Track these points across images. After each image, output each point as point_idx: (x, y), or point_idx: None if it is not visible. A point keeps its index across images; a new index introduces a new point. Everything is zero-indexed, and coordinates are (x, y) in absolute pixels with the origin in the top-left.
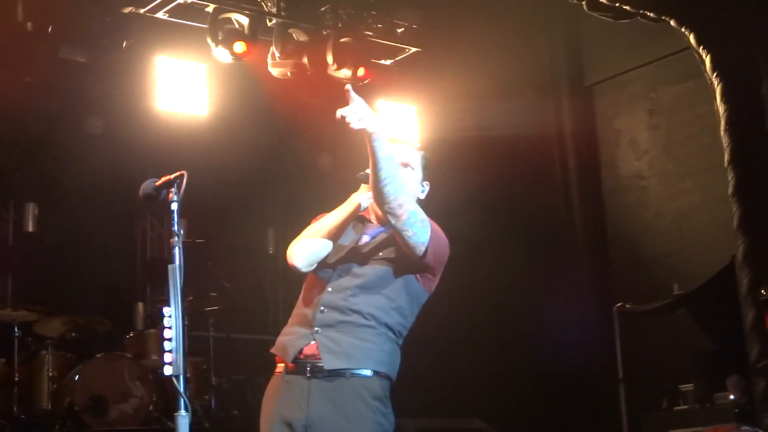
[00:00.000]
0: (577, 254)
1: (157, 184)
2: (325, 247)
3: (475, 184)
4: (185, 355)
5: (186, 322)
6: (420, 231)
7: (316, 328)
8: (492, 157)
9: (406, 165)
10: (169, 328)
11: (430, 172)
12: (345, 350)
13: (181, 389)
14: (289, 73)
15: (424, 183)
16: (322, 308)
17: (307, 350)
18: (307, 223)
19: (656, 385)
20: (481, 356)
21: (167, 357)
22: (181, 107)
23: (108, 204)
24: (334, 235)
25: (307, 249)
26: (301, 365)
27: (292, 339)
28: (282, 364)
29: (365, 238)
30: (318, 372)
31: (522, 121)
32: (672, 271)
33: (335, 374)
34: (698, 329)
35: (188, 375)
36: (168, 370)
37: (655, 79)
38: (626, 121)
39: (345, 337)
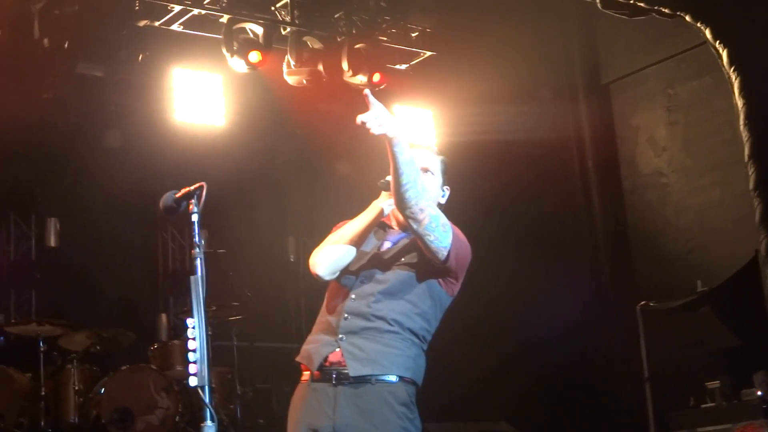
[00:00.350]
0: (599, 254)
1: (177, 196)
2: (348, 255)
3: (493, 188)
4: (210, 365)
5: (210, 332)
6: (442, 235)
7: (340, 336)
8: (509, 159)
9: (426, 170)
10: (193, 338)
11: (449, 176)
12: (370, 356)
13: (207, 399)
14: (304, 81)
15: (445, 188)
16: (345, 315)
17: (332, 357)
18: (327, 231)
19: (682, 383)
20: (505, 358)
21: (192, 368)
22: (198, 118)
23: (128, 216)
24: (356, 243)
25: (329, 257)
26: (326, 373)
27: (316, 347)
28: (308, 372)
29: (387, 244)
30: (344, 379)
31: (539, 122)
32: (695, 268)
33: (361, 381)
34: (723, 326)
35: (213, 385)
36: (193, 381)
37: (673, 76)
38: (644, 119)
39: (369, 344)
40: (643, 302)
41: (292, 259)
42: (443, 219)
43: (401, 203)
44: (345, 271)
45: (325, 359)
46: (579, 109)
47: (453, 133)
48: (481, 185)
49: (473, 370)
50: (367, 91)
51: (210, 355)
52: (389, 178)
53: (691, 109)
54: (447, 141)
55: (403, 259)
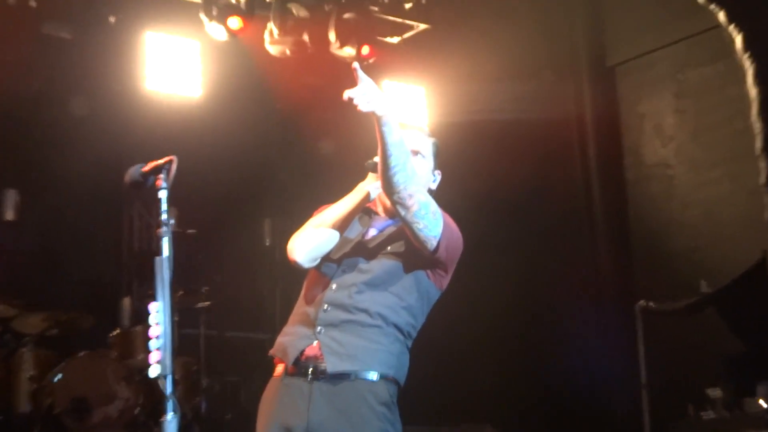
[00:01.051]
0: (597, 249)
1: (144, 169)
2: (329, 241)
3: (486, 173)
4: (174, 354)
5: (175, 319)
6: (432, 223)
7: (318, 328)
8: (505, 143)
9: (416, 153)
10: (157, 324)
11: (441, 160)
12: (349, 352)
13: (169, 391)
14: (288, 52)
15: (436, 172)
16: (325, 306)
17: (308, 351)
18: (308, 214)
19: (681, 390)
20: (492, 359)
21: (154, 356)
22: (172, 87)
23: (93, 191)
24: (339, 228)
25: (309, 242)
26: (302, 367)
27: (292, 339)
28: (281, 366)
29: (372, 232)
30: (320, 374)
31: (538, 105)
32: (699, 267)
33: (339, 377)
34: (727, 330)
35: (177, 376)
36: (155, 371)
37: (683, 60)
38: (651, 105)
39: (350, 338)
40: (642, 302)
41: (267, 243)
42: (434, 206)
43: (389, 187)
44: (326, 259)
45: (302, 353)
46: (582, 93)
47: (446, 113)
48: (473, 170)
49: (458, 370)
50: (355, 65)
51: (175, 343)
52: (377, 158)
53: (702, 96)
54: (439, 121)
55: (389, 248)
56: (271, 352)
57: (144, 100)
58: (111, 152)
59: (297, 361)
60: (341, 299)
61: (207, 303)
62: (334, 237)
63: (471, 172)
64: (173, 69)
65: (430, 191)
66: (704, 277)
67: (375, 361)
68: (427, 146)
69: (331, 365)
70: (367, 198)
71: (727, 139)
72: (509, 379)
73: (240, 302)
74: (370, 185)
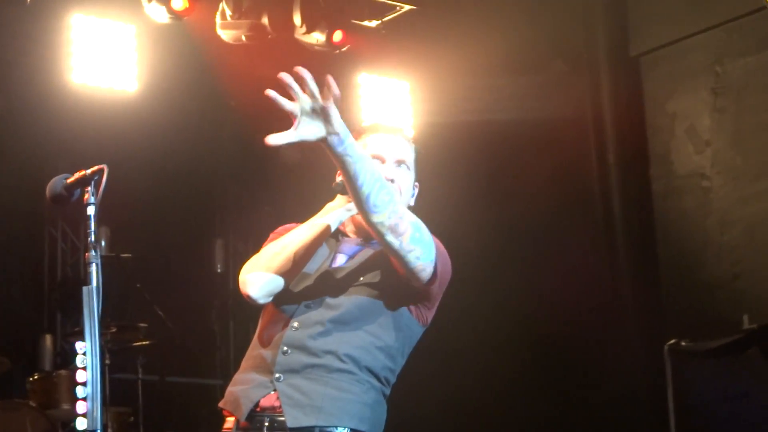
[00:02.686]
0: (619, 278)
1: (68, 181)
2: (290, 273)
3: (484, 185)
4: (105, 403)
5: (107, 362)
6: (426, 247)
7: (276, 375)
8: (508, 149)
9: (401, 162)
10: (84, 368)
11: (421, 168)
12: (314, 402)
13: None
14: (244, 38)
15: (415, 184)
16: (285, 349)
17: (264, 402)
18: (266, 234)
19: None
20: (498, 406)
21: (81, 406)
22: (103, 81)
23: (7, 207)
24: (302, 257)
25: (264, 274)
26: (256, 421)
27: (245, 389)
28: (232, 419)
29: (341, 258)
30: (278, 429)
31: (547, 103)
32: (741, 299)
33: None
34: None
35: (110, 430)
36: (82, 424)
37: (722, 49)
38: (683, 103)
39: (314, 386)
40: (672, 341)
41: (219, 270)
42: (422, 224)
43: (371, 217)
44: (285, 293)
45: (256, 405)
46: (600, 88)
47: (435, 112)
48: (469, 182)
49: (458, 412)
50: (283, 76)
51: (106, 391)
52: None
53: (745, 92)
54: (427, 121)
55: (362, 279)
56: (221, 404)
57: (69, 96)
58: (29, 159)
59: (251, 415)
60: (303, 340)
61: (145, 342)
62: (295, 267)
63: (467, 183)
64: (104, 59)
65: (409, 207)
66: (747, 310)
67: (344, 414)
68: (410, 155)
69: (292, 419)
70: (337, 222)
71: None
72: (519, 416)
73: (186, 341)
74: (340, 209)
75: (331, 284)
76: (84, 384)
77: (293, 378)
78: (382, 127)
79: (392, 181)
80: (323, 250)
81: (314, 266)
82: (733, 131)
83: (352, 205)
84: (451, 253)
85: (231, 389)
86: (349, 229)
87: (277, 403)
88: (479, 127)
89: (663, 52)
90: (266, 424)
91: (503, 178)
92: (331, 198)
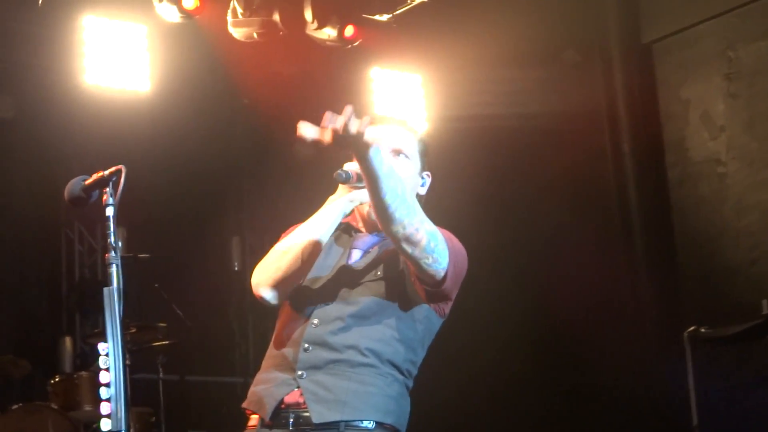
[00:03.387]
0: (636, 264)
1: (87, 183)
2: (301, 270)
3: (499, 175)
4: (128, 404)
5: (128, 362)
6: (441, 254)
7: (299, 372)
8: (521, 140)
9: (398, 152)
10: (107, 369)
11: (431, 160)
12: (338, 397)
13: None
14: (255, 35)
15: (425, 174)
16: (306, 346)
17: (288, 399)
18: (281, 233)
19: None
20: (516, 400)
21: (105, 407)
22: (115, 81)
23: (23, 210)
24: (312, 253)
25: (275, 273)
26: (281, 417)
27: (268, 388)
28: (256, 417)
29: (356, 254)
30: (304, 425)
31: (560, 93)
32: (760, 284)
33: (326, 428)
34: None
35: (132, 430)
36: (106, 425)
37: (734, 34)
38: (697, 90)
39: (338, 381)
40: (692, 328)
41: (236, 267)
42: (439, 233)
43: (389, 226)
44: (302, 291)
45: (281, 402)
46: (612, 77)
47: (449, 105)
48: (483, 173)
49: (474, 408)
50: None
51: (128, 391)
52: (349, 166)
53: (758, 77)
54: (441, 114)
55: (378, 273)
56: (244, 404)
57: (83, 98)
58: (45, 161)
59: (276, 412)
60: (324, 336)
61: (165, 342)
62: (307, 264)
63: (480, 175)
64: (117, 59)
65: (419, 197)
66: (766, 295)
67: (369, 407)
68: (411, 144)
69: (317, 415)
70: (340, 214)
71: None
72: (538, 420)
73: (205, 340)
74: (343, 198)
75: (348, 280)
76: (107, 385)
77: (316, 374)
78: (378, 118)
79: None
80: (336, 247)
81: (330, 263)
82: (747, 116)
83: (355, 195)
84: (467, 243)
85: (254, 389)
86: (360, 224)
87: (301, 400)
88: (492, 119)
89: (675, 38)
90: (291, 420)
91: (518, 169)
92: (333, 190)
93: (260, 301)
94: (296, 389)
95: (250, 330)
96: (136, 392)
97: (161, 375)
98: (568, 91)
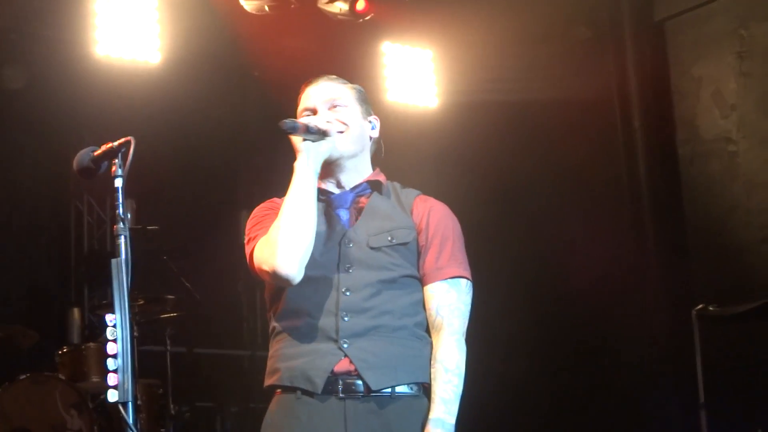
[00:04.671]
0: (645, 242)
1: (95, 154)
2: (310, 238)
3: (509, 151)
4: (135, 375)
5: (136, 334)
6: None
7: (343, 341)
8: (531, 115)
9: (333, 104)
10: (114, 341)
11: (447, 134)
12: (388, 362)
13: (131, 420)
14: (267, 8)
15: (372, 118)
16: (344, 314)
17: (338, 368)
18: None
19: (748, 411)
20: (524, 373)
21: (112, 378)
22: (126, 53)
23: (33, 180)
24: (312, 220)
25: (293, 250)
26: (328, 384)
27: (312, 360)
28: (292, 395)
29: (344, 214)
30: (355, 391)
31: (572, 70)
32: None
33: (378, 395)
34: None
35: (139, 402)
36: (113, 396)
37: (746, 12)
38: (709, 68)
39: (383, 346)
40: (700, 306)
41: (245, 241)
42: (464, 319)
43: None
44: (313, 260)
45: (331, 373)
46: (624, 54)
47: (460, 81)
48: (493, 148)
49: (484, 382)
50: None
51: (136, 363)
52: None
53: None
54: (451, 89)
55: (391, 239)
56: (275, 381)
57: (93, 69)
58: (54, 132)
59: (326, 384)
60: (360, 303)
61: (173, 314)
62: (312, 231)
63: (490, 150)
64: (128, 30)
65: (372, 140)
66: None
67: (417, 370)
68: (344, 94)
69: (374, 381)
70: (316, 174)
71: None
72: (543, 396)
73: (213, 313)
74: (304, 157)
75: (357, 244)
76: (114, 356)
77: (360, 341)
78: (309, 82)
79: (329, 122)
80: (320, 213)
81: (323, 228)
82: (759, 95)
83: (317, 152)
84: (474, 218)
85: (287, 364)
86: (325, 185)
87: (351, 368)
88: (502, 94)
89: (687, 16)
90: (341, 387)
91: (527, 145)
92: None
93: (278, 282)
94: (344, 358)
95: (258, 303)
96: (143, 364)
97: (169, 347)
98: (579, 67)
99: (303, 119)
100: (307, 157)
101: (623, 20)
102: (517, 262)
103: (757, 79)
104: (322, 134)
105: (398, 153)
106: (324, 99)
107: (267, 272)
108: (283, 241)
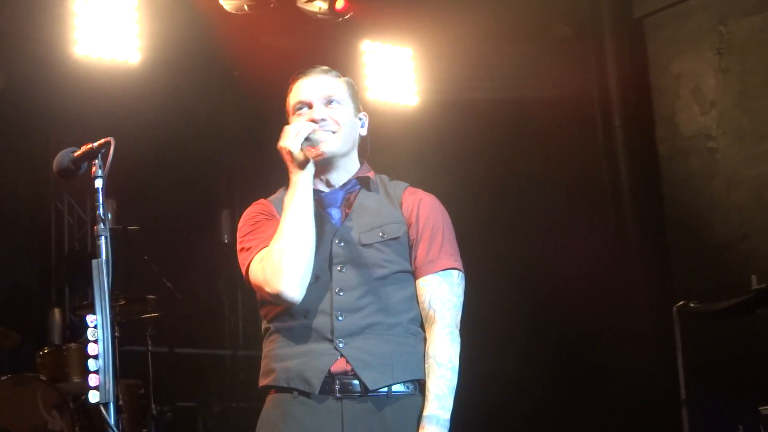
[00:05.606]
0: (625, 239)
1: (76, 154)
2: (312, 258)
3: (489, 149)
4: (116, 376)
5: (117, 334)
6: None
7: (338, 341)
8: (512, 113)
9: (329, 100)
10: (95, 341)
11: (427, 134)
12: (384, 361)
13: (112, 420)
14: (246, 7)
15: (361, 115)
16: (338, 314)
17: (335, 369)
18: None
19: (729, 407)
20: (506, 370)
21: (93, 379)
22: (106, 52)
23: (13, 181)
24: (312, 236)
25: (298, 271)
26: (327, 384)
27: (307, 361)
28: (287, 395)
29: (335, 213)
30: (352, 392)
31: (552, 67)
32: (749, 259)
33: (375, 394)
34: None
35: (120, 402)
36: (94, 396)
37: (726, 8)
38: (688, 64)
39: (378, 345)
40: (681, 302)
41: (226, 240)
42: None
43: None
44: None
45: (327, 373)
46: (604, 51)
47: (440, 79)
48: (474, 145)
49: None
50: None
51: (117, 363)
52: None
53: (749, 52)
54: (431, 88)
55: (382, 234)
56: (270, 382)
57: (73, 69)
58: (34, 133)
59: (323, 384)
60: (353, 302)
61: (154, 314)
62: (314, 250)
63: (470, 148)
64: (107, 30)
65: (360, 138)
66: (755, 270)
67: (414, 368)
68: (340, 90)
69: (371, 381)
70: (311, 185)
71: None
72: (525, 393)
73: (194, 312)
74: (300, 176)
75: (350, 242)
76: (96, 357)
77: (355, 340)
78: (301, 74)
79: (324, 119)
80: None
81: (316, 228)
82: (738, 91)
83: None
84: (456, 217)
85: (283, 365)
86: (321, 185)
87: (348, 368)
88: (482, 92)
89: (667, 13)
90: (338, 387)
91: (508, 143)
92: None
93: (279, 301)
94: (340, 357)
95: (240, 303)
96: (124, 364)
97: (150, 347)
98: (559, 65)
99: (297, 129)
100: (298, 178)
101: (603, 18)
102: (498, 260)
103: (736, 75)
104: (315, 140)
105: (378, 151)
106: (321, 94)
107: (269, 293)
108: (287, 265)
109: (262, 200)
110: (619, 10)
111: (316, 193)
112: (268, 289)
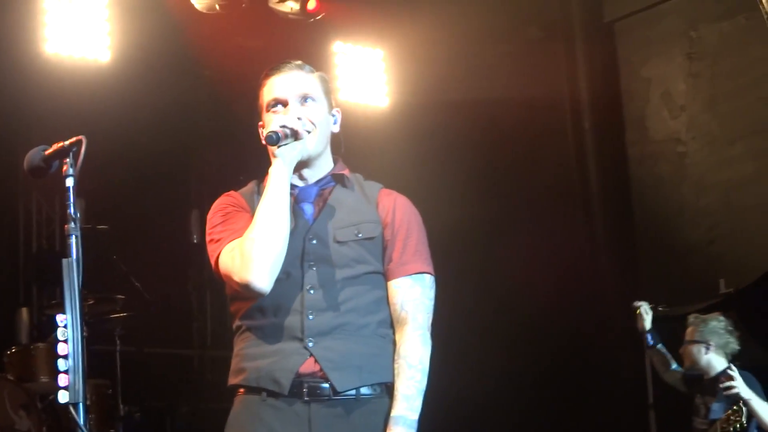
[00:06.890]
0: (594, 243)
1: (47, 153)
2: (284, 248)
3: (460, 151)
4: (85, 376)
5: (86, 334)
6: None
7: (308, 340)
8: (482, 115)
9: (305, 96)
10: (65, 341)
11: (397, 133)
12: (353, 362)
13: (81, 421)
14: (217, 6)
15: (335, 111)
16: (309, 313)
17: (303, 369)
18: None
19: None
20: (477, 372)
21: (62, 379)
22: (77, 50)
23: None
24: (286, 229)
25: (268, 262)
26: (293, 386)
27: (277, 361)
28: (258, 396)
29: (308, 209)
30: (321, 394)
31: (523, 70)
32: (717, 264)
33: (341, 398)
34: (751, 338)
35: (88, 402)
36: (63, 397)
37: (696, 13)
38: (658, 69)
39: (348, 345)
40: (650, 306)
41: (195, 240)
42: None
43: None
44: None
45: (296, 374)
46: (574, 55)
47: (411, 81)
48: (443, 148)
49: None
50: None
51: (86, 363)
52: (275, 125)
53: (720, 57)
54: (402, 89)
55: (358, 233)
56: (240, 381)
57: (43, 67)
58: (2, 132)
59: (292, 385)
60: (324, 301)
61: (123, 314)
62: (285, 240)
63: (440, 149)
64: (78, 28)
65: (333, 135)
66: (723, 275)
67: (382, 370)
68: (315, 86)
69: (339, 383)
70: (289, 180)
71: (750, 109)
72: (496, 395)
73: (163, 312)
74: (279, 164)
75: (322, 240)
76: (66, 357)
77: (325, 340)
78: (275, 69)
79: (299, 119)
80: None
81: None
82: (708, 96)
83: (288, 157)
84: (427, 219)
85: (253, 364)
86: (294, 178)
87: (316, 368)
88: (454, 94)
89: (638, 17)
90: (306, 390)
91: (478, 145)
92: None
93: (249, 293)
94: (309, 357)
95: (208, 303)
96: (92, 364)
97: (118, 347)
98: (530, 68)
99: (278, 123)
100: (284, 163)
101: (573, 20)
102: (467, 261)
103: (706, 80)
104: (294, 136)
105: (349, 152)
106: (297, 92)
107: (238, 283)
108: (258, 255)
109: (232, 192)
110: (590, 13)
111: (291, 187)
112: (236, 278)
